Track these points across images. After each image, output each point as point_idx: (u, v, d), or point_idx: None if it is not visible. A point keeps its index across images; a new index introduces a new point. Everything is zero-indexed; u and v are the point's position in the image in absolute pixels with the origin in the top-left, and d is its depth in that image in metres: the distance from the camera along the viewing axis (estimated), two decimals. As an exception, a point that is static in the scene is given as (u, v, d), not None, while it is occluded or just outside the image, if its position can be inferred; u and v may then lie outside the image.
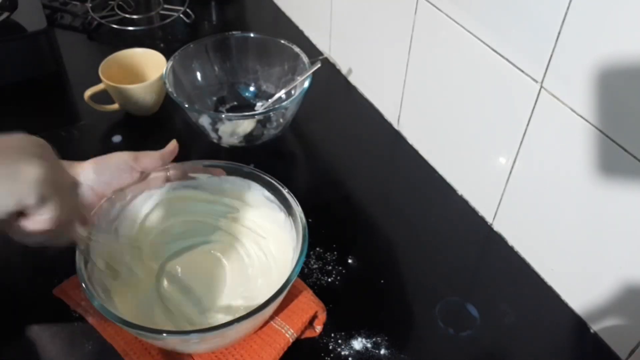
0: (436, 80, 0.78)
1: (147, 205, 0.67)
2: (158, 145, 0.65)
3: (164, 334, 0.55)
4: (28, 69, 0.96)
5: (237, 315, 0.54)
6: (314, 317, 0.64)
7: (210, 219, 0.71)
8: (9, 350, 0.62)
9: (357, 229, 0.77)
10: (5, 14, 0.93)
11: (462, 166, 0.79)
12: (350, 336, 0.64)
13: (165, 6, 1.15)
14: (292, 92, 0.89)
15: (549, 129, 0.62)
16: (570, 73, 0.57)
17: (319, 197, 0.81)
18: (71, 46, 1.05)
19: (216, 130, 0.85)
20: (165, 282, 0.66)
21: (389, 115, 0.92)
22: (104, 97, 0.88)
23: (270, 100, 0.91)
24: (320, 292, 0.67)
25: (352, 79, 0.99)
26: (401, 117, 0.89)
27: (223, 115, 0.88)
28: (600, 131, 0.56)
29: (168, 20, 1.13)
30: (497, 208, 0.74)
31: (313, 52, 1.05)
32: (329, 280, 0.70)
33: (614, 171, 0.57)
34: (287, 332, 0.62)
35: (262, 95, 0.95)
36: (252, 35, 0.93)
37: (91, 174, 0.61)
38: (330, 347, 0.63)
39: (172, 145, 0.65)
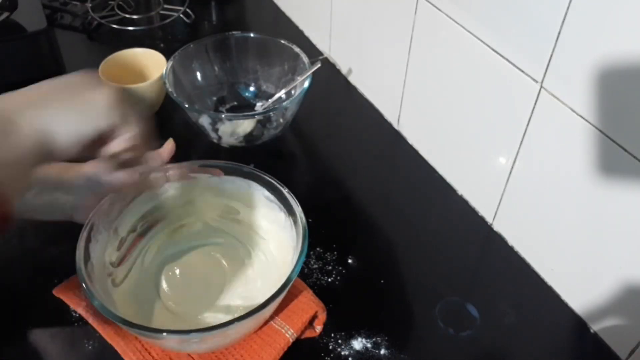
0: (436, 80, 0.78)
1: (147, 206, 0.67)
2: (158, 145, 0.65)
3: (164, 334, 0.55)
4: (28, 69, 0.96)
5: (237, 315, 0.54)
6: (314, 317, 0.64)
7: (210, 220, 0.71)
8: (9, 350, 0.62)
9: (357, 229, 0.77)
10: (5, 14, 0.93)
11: (462, 166, 0.79)
12: (350, 336, 0.64)
13: (165, 6, 1.15)
14: (292, 92, 0.89)
15: (549, 129, 0.62)
16: (570, 73, 0.57)
17: (319, 197, 0.81)
18: (71, 46, 1.05)
19: (216, 130, 0.85)
20: (164, 283, 0.66)
21: (389, 115, 0.92)
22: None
23: (270, 100, 0.91)
24: (320, 292, 0.67)
25: (352, 79, 0.99)
26: (401, 117, 0.89)
27: (223, 115, 0.88)
28: (600, 131, 0.56)
29: (168, 20, 1.13)
30: (497, 208, 0.74)
31: (313, 52, 1.05)
32: (329, 280, 0.70)
33: (614, 171, 0.57)
34: (287, 332, 0.62)
35: (262, 95, 0.95)
36: (252, 35, 0.93)
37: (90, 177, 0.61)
38: (330, 347, 0.63)
39: (169, 144, 0.65)
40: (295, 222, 0.63)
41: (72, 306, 0.65)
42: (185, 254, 0.69)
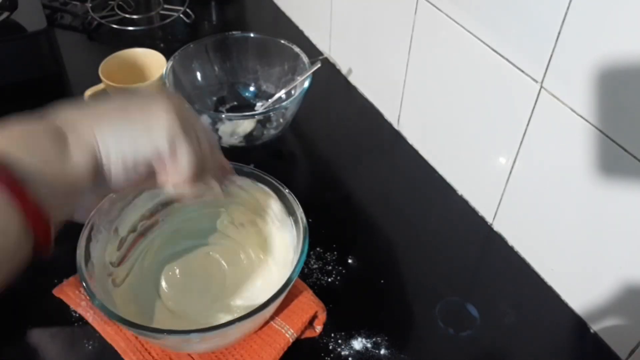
0: (436, 80, 0.78)
1: (147, 206, 0.67)
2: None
3: (164, 334, 0.55)
4: (28, 69, 0.96)
5: (237, 316, 0.54)
6: (314, 317, 0.64)
7: (210, 220, 0.71)
8: (9, 351, 0.62)
9: (357, 229, 0.77)
10: (5, 14, 0.93)
11: (462, 166, 0.79)
12: (350, 336, 0.64)
13: (165, 6, 1.15)
14: (292, 92, 0.89)
15: (549, 129, 0.62)
16: (570, 73, 0.57)
17: (319, 197, 0.81)
18: (71, 46, 1.05)
19: (216, 130, 0.85)
20: (165, 283, 0.66)
21: (389, 115, 0.92)
22: (104, 97, 0.88)
23: (270, 100, 0.91)
24: (320, 292, 0.67)
25: (352, 79, 0.99)
26: (401, 117, 0.89)
27: (223, 115, 0.88)
28: (600, 131, 0.56)
29: (168, 20, 1.13)
30: (497, 208, 0.74)
31: (313, 52, 1.05)
32: (329, 280, 0.70)
33: (614, 171, 0.57)
34: (287, 332, 0.62)
35: (262, 95, 0.95)
36: (252, 35, 0.93)
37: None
38: (330, 347, 0.63)
39: None
40: (295, 222, 0.63)
41: (72, 306, 0.65)
42: (185, 254, 0.69)
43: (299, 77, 0.87)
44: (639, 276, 0.58)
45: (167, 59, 0.87)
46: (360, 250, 0.73)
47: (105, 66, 0.88)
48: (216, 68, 0.93)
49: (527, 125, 0.65)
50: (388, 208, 0.81)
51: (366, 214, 0.79)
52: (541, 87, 0.61)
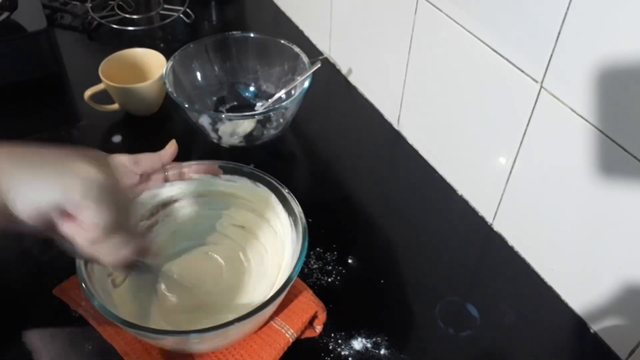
0: (436, 80, 0.78)
1: (147, 206, 0.67)
2: (158, 145, 0.65)
3: (164, 334, 0.55)
4: (28, 69, 0.96)
5: (237, 316, 0.54)
6: (314, 317, 0.64)
7: (209, 220, 0.71)
8: (9, 351, 0.62)
9: (357, 229, 0.77)
10: (5, 14, 0.93)
11: (462, 166, 0.79)
12: (350, 336, 0.64)
13: (165, 6, 1.15)
14: (292, 92, 0.89)
15: (549, 129, 0.62)
16: (570, 73, 0.57)
17: (319, 197, 0.81)
18: (71, 46, 1.05)
19: (216, 130, 0.85)
20: (164, 284, 0.66)
21: (389, 115, 0.92)
22: (104, 97, 0.88)
23: (270, 100, 0.91)
24: (320, 292, 0.67)
25: (352, 79, 0.99)
26: (401, 117, 0.89)
27: (223, 115, 0.88)
28: (600, 131, 0.56)
29: (168, 20, 1.13)
30: (497, 208, 0.74)
31: (313, 52, 1.05)
32: (329, 280, 0.70)
33: (614, 171, 0.57)
34: (287, 332, 0.62)
35: (262, 95, 0.95)
36: (252, 35, 0.93)
37: None
38: (330, 347, 0.63)
39: (172, 147, 0.65)
40: (295, 222, 0.63)
41: (72, 306, 0.65)
42: (184, 254, 0.69)
43: (299, 77, 0.87)
44: (639, 276, 0.58)
45: (167, 59, 0.87)
46: (360, 250, 0.73)
47: (105, 66, 0.88)
48: (216, 68, 0.93)
49: (527, 125, 0.65)
50: (388, 208, 0.81)
51: (366, 214, 0.79)
52: (541, 87, 0.61)
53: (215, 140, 0.86)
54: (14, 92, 0.94)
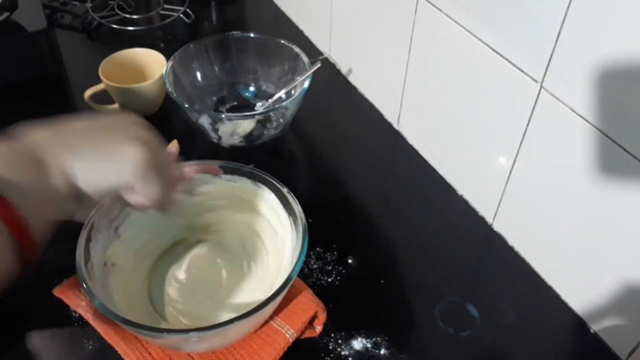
0: (436, 80, 0.78)
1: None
2: (158, 145, 0.65)
3: (164, 333, 0.55)
4: (28, 69, 0.96)
5: (236, 315, 0.54)
6: (314, 317, 0.64)
7: (209, 220, 0.71)
8: (9, 351, 0.62)
9: (357, 229, 0.77)
10: (5, 14, 0.93)
11: (462, 166, 0.79)
12: (350, 336, 0.64)
13: (165, 6, 1.15)
14: (292, 92, 0.89)
15: (549, 129, 0.62)
16: (570, 73, 0.57)
17: (319, 197, 0.81)
18: (71, 46, 1.05)
19: (216, 130, 0.85)
20: (164, 283, 0.66)
21: (389, 115, 0.92)
22: (104, 97, 0.88)
23: (270, 100, 0.91)
24: (320, 292, 0.67)
25: (352, 79, 0.99)
26: (401, 117, 0.89)
27: (223, 115, 0.88)
28: (600, 131, 0.56)
29: (168, 20, 1.13)
30: (497, 208, 0.74)
31: (313, 52, 1.05)
32: (329, 280, 0.70)
33: (614, 171, 0.57)
34: (287, 332, 0.62)
35: (262, 95, 0.95)
36: (252, 35, 0.93)
37: None
38: (330, 347, 0.63)
39: (174, 147, 0.65)
40: (295, 222, 0.63)
41: (72, 306, 0.65)
42: (184, 253, 0.69)
43: (299, 77, 0.87)
44: (639, 276, 0.58)
45: (167, 59, 0.87)
46: (360, 250, 0.73)
47: (105, 66, 0.88)
48: (216, 68, 0.93)
49: (527, 125, 0.65)
50: (388, 208, 0.81)
51: (366, 214, 0.79)
52: (541, 87, 0.61)
53: (215, 140, 0.86)
54: (14, 92, 0.94)
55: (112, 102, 0.90)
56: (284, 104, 0.85)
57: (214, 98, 0.94)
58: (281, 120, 0.86)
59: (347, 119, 0.94)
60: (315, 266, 0.71)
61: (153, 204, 0.53)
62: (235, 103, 0.94)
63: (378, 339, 0.64)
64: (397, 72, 0.84)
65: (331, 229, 0.75)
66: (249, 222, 0.70)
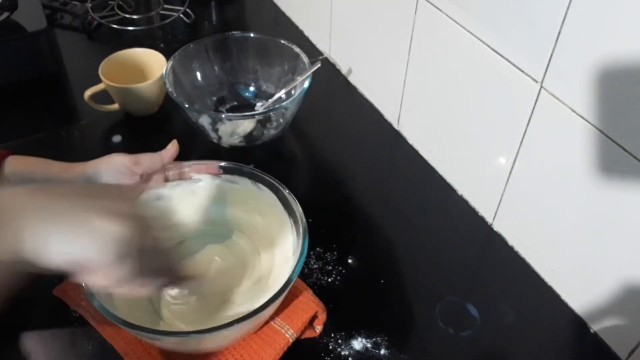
0: (436, 80, 0.78)
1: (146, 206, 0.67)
2: (158, 145, 0.65)
3: (164, 335, 0.55)
4: (28, 69, 0.96)
5: (237, 316, 0.54)
6: (314, 318, 0.64)
7: (209, 220, 0.71)
8: (9, 351, 0.62)
9: (357, 229, 0.77)
10: (5, 14, 0.93)
11: (462, 166, 0.79)
12: (350, 336, 0.64)
13: (165, 6, 1.15)
14: (292, 92, 0.89)
15: (549, 129, 0.62)
16: (570, 73, 0.57)
17: (319, 197, 0.81)
18: (71, 46, 1.05)
19: (216, 130, 0.85)
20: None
21: (389, 115, 0.92)
22: (104, 97, 0.88)
23: (270, 100, 0.91)
24: (320, 292, 0.67)
25: (352, 79, 0.99)
26: (401, 117, 0.89)
27: (223, 115, 0.88)
28: (600, 131, 0.56)
29: (168, 20, 1.13)
30: (497, 208, 0.74)
31: (313, 52, 1.05)
32: (329, 280, 0.70)
33: (614, 171, 0.57)
34: (287, 332, 0.62)
35: (262, 95, 0.95)
36: (252, 35, 0.93)
37: (91, 177, 0.61)
38: (330, 347, 0.63)
39: (173, 147, 0.65)
40: (295, 222, 0.63)
41: (72, 306, 0.65)
42: (185, 253, 0.69)
43: (299, 77, 0.87)
44: (639, 276, 0.58)
45: (167, 59, 0.87)
46: (360, 250, 0.73)
47: (105, 66, 0.88)
48: (216, 68, 0.93)
49: (527, 125, 0.65)
50: (388, 208, 0.81)
51: (366, 214, 0.79)
52: (541, 87, 0.61)
53: (215, 140, 0.86)
54: (14, 92, 0.94)
55: (112, 102, 0.90)
56: (284, 104, 0.85)
57: (214, 98, 0.94)
58: (281, 120, 0.86)
59: (347, 119, 0.94)
60: (315, 266, 0.71)
61: (115, 286, 0.43)
62: (235, 103, 0.94)
63: (378, 339, 0.64)
64: (397, 72, 0.84)
65: (331, 229, 0.75)
66: (248, 222, 0.70)
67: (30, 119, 0.91)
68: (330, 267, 0.71)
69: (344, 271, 0.71)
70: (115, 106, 0.90)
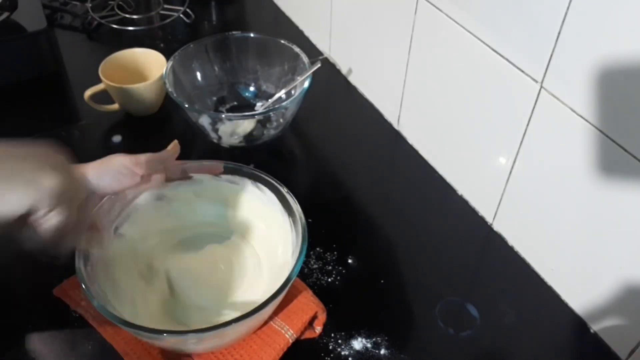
0: (436, 80, 0.78)
1: (147, 206, 0.67)
2: (158, 145, 0.65)
3: (164, 334, 0.55)
4: (28, 69, 0.96)
5: (236, 316, 0.54)
6: (313, 318, 0.64)
7: (209, 220, 0.71)
8: (9, 351, 0.62)
9: (357, 229, 0.77)
10: (5, 14, 0.93)
11: (462, 166, 0.79)
12: (350, 336, 0.64)
13: (165, 6, 1.15)
14: (292, 92, 0.89)
15: (549, 129, 0.62)
16: (570, 73, 0.57)
17: (319, 197, 0.81)
18: (71, 46, 1.05)
19: (216, 130, 0.85)
20: (164, 283, 0.66)
21: (389, 115, 0.92)
22: (104, 97, 0.88)
23: (270, 100, 0.91)
24: (320, 292, 0.67)
25: (352, 79, 0.99)
26: (401, 117, 0.89)
27: (223, 115, 0.88)
28: (600, 131, 0.56)
29: (168, 20, 1.13)
30: (497, 208, 0.74)
31: (313, 52, 1.05)
32: (329, 280, 0.70)
33: (614, 171, 0.57)
34: (286, 332, 0.62)
35: (262, 95, 0.95)
36: (252, 35, 0.93)
37: (91, 179, 0.61)
38: (330, 347, 0.63)
39: (174, 147, 0.65)
40: (295, 222, 0.63)
41: (72, 306, 0.65)
42: (184, 254, 0.69)
43: (299, 77, 0.87)
44: (639, 276, 0.58)
45: (167, 59, 0.87)
46: (360, 250, 0.73)
47: (105, 66, 0.88)
48: (216, 68, 0.93)
49: (527, 125, 0.65)
50: (388, 208, 0.81)
51: (366, 214, 0.79)
52: (541, 87, 0.61)
53: (215, 140, 0.86)
54: (14, 92, 0.94)
55: (112, 102, 0.90)
56: (284, 104, 0.85)
57: (214, 98, 0.94)
58: (281, 120, 0.86)
59: (347, 119, 0.94)
60: (315, 266, 0.71)
61: (49, 236, 0.50)
62: (235, 103, 0.94)
63: (378, 339, 0.64)
64: (397, 72, 0.84)
65: (331, 229, 0.75)
66: (248, 222, 0.70)
67: (30, 119, 0.91)
68: (330, 267, 0.71)
69: (344, 271, 0.71)
70: (115, 106, 0.90)
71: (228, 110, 0.93)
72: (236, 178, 0.68)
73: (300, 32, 1.11)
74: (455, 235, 0.77)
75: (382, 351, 0.63)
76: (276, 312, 0.63)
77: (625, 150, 0.54)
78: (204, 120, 0.84)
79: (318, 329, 0.64)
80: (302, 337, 0.64)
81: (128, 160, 0.62)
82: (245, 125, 0.85)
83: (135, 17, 1.12)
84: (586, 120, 0.57)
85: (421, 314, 0.67)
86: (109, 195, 0.62)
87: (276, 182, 0.65)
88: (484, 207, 0.78)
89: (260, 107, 0.92)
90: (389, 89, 0.88)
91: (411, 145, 0.88)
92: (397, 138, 0.90)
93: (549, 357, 0.64)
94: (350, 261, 0.72)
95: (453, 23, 0.70)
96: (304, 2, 1.08)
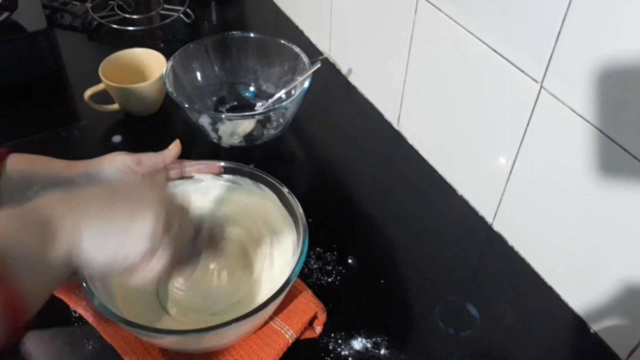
0: (436, 80, 0.78)
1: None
2: (158, 145, 0.65)
3: (164, 334, 0.55)
4: (28, 69, 0.96)
5: (236, 315, 0.54)
6: (313, 318, 0.64)
7: (209, 220, 0.71)
8: (9, 351, 0.62)
9: (357, 229, 0.77)
10: (5, 14, 0.93)
11: (462, 166, 0.79)
12: (350, 336, 0.64)
13: (165, 6, 1.15)
14: (292, 92, 0.89)
15: (549, 129, 0.62)
16: (570, 73, 0.57)
17: (319, 197, 0.81)
18: (71, 46, 1.05)
19: (216, 130, 0.85)
20: (164, 283, 0.66)
21: (389, 115, 0.92)
22: (104, 97, 0.88)
23: (270, 100, 0.91)
24: (320, 292, 0.67)
25: (352, 79, 0.99)
26: (401, 117, 0.89)
27: (223, 115, 0.88)
28: (600, 131, 0.56)
29: (168, 20, 1.13)
30: (497, 208, 0.74)
31: (313, 52, 1.05)
32: (329, 280, 0.70)
33: (614, 171, 0.57)
34: (286, 332, 0.62)
35: (262, 95, 0.95)
36: (252, 35, 0.93)
37: (92, 175, 0.61)
38: (330, 347, 0.63)
39: (176, 147, 0.65)
40: (295, 222, 0.63)
41: (72, 306, 0.65)
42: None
43: (299, 77, 0.87)
44: (639, 276, 0.58)
45: (167, 59, 0.87)
46: (360, 250, 0.73)
47: (105, 66, 0.88)
48: (216, 68, 0.93)
49: (527, 125, 0.65)
50: (388, 208, 0.81)
51: (366, 214, 0.79)
52: (541, 87, 0.61)
53: (215, 140, 0.86)
54: (14, 92, 0.94)
55: (112, 102, 0.90)
56: (284, 104, 0.85)
57: (214, 98, 0.94)
58: (281, 120, 0.86)
59: (347, 119, 0.94)
60: (315, 266, 0.71)
61: (155, 277, 0.47)
62: (235, 103, 0.94)
63: (378, 339, 0.64)
64: (397, 72, 0.84)
65: (331, 229, 0.75)
66: (248, 222, 0.70)
67: (30, 119, 0.91)
68: (330, 267, 0.71)
69: (344, 271, 0.71)
70: (115, 106, 0.90)
71: (228, 110, 0.93)
72: (237, 178, 0.68)
73: (300, 32, 1.11)
74: (455, 235, 0.77)
75: (382, 351, 0.63)
76: (276, 312, 0.63)
77: (625, 150, 0.54)
78: (204, 120, 0.84)
79: (318, 329, 0.64)
80: (302, 337, 0.64)
81: (129, 159, 0.62)
82: (245, 125, 0.85)
83: (135, 17, 1.12)
84: (586, 120, 0.57)
85: (421, 314, 0.67)
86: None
87: (277, 182, 0.65)
88: (484, 207, 0.78)
89: (260, 107, 0.92)
90: (389, 89, 0.88)
91: (411, 145, 0.88)
92: (397, 138, 0.90)
93: (548, 357, 0.64)
94: (350, 261, 0.72)
95: (453, 23, 0.70)
96: (304, 2, 1.08)
